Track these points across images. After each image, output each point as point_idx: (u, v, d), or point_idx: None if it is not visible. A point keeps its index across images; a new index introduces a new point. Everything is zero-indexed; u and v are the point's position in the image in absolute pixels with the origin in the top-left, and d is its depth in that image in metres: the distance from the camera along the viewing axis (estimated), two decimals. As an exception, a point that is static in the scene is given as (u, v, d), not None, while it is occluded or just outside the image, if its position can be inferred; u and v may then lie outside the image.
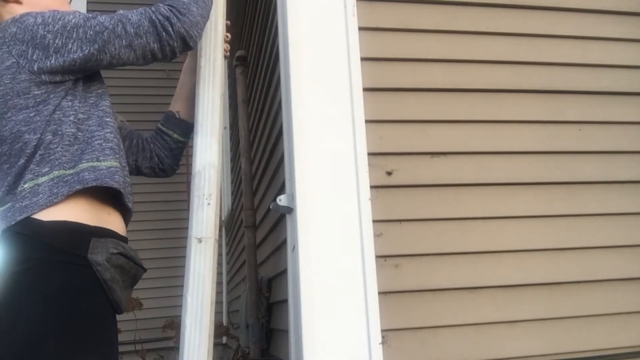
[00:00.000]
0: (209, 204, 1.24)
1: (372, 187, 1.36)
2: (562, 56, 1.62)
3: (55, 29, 1.10)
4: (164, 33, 1.15)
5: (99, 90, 1.22)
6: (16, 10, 1.18)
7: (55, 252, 1.03)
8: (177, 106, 1.45)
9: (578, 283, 1.48)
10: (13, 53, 1.10)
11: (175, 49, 1.19)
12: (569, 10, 1.65)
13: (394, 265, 1.38)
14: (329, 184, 1.31)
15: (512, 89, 1.57)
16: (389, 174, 1.43)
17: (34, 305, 0.99)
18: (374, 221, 1.33)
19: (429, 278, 1.40)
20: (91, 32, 1.12)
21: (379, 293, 1.28)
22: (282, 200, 1.32)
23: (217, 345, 4.37)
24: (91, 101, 1.19)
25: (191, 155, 1.32)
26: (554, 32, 1.63)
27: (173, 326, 3.84)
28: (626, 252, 1.53)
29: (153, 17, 1.15)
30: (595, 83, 1.63)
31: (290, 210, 1.32)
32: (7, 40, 1.12)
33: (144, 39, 1.15)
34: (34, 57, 1.10)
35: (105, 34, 1.12)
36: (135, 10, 1.16)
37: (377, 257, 1.31)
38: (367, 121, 1.38)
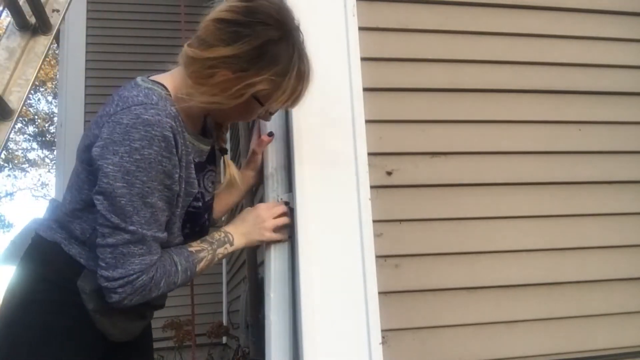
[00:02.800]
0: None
1: (372, 187, 1.36)
2: (562, 56, 1.62)
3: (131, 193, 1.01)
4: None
5: None
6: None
7: (51, 272, 1.10)
8: (215, 205, 1.36)
9: (578, 283, 1.48)
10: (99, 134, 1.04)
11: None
12: (569, 10, 1.65)
13: (394, 265, 1.38)
14: (329, 183, 1.31)
15: (512, 89, 1.57)
16: (389, 174, 1.43)
17: (15, 316, 1.08)
18: (374, 221, 1.32)
19: (429, 278, 1.40)
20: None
21: (379, 293, 1.28)
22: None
23: (217, 345, 4.37)
24: None
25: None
26: (554, 32, 1.63)
27: (173, 326, 3.84)
28: (626, 252, 1.53)
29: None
30: (595, 83, 1.63)
31: (290, 210, 1.32)
32: (106, 121, 1.03)
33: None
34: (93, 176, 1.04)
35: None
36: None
37: (377, 257, 1.31)
38: (367, 121, 1.38)
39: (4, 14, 1.47)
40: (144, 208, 1.01)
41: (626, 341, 1.46)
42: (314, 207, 1.28)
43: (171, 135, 1.02)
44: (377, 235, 1.35)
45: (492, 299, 1.42)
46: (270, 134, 1.36)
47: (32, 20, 1.49)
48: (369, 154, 1.37)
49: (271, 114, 1.20)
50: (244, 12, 1.06)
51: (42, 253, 1.11)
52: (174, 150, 1.03)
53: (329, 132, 1.34)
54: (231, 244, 1.22)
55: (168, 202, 1.06)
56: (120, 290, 1.02)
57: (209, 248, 1.17)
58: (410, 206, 1.43)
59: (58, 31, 1.60)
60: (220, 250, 1.20)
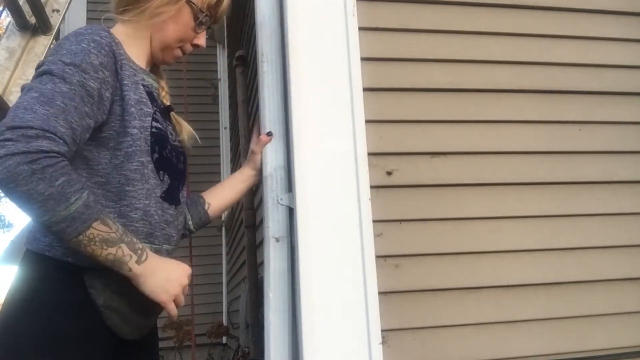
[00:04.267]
0: (282, 204, 1.32)
1: (372, 187, 1.36)
2: (562, 56, 1.62)
3: None
4: None
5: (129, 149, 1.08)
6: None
7: (55, 269, 1.04)
8: (212, 199, 1.38)
9: (578, 283, 1.48)
10: None
11: None
12: (569, 10, 1.65)
13: (394, 265, 1.38)
14: (329, 184, 1.31)
15: (512, 89, 1.57)
16: (389, 174, 1.43)
17: (19, 314, 1.02)
18: (374, 221, 1.32)
19: (429, 278, 1.40)
20: None
21: (379, 293, 1.28)
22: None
23: (217, 345, 4.37)
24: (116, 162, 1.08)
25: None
26: (554, 32, 1.63)
27: (173, 326, 3.84)
28: (626, 252, 1.53)
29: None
30: (595, 83, 1.63)
31: (290, 210, 1.32)
32: None
33: None
34: None
35: None
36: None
37: (377, 257, 1.31)
38: (367, 121, 1.38)
39: (4, 14, 1.47)
40: (62, 82, 0.95)
41: (626, 341, 1.46)
42: (314, 207, 1.28)
43: (104, 41, 1.05)
44: (377, 235, 1.35)
45: (492, 299, 1.42)
46: (269, 134, 1.36)
47: (32, 20, 1.49)
48: (369, 154, 1.37)
49: (205, 28, 1.27)
50: None
51: (35, 271, 1.05)
52: (105, 51, 1.04)
53: (329, 132, 1.34)
54: (138, 261, 1.01)
55: (89, 93, 0.99)
56: (9, 143, 0.85)
57: (121, 232, 0.99)
58: (410, 206, 1.43)
59: (58, 31, 1.60)
60: (125, 249, 0.99)
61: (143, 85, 1.16)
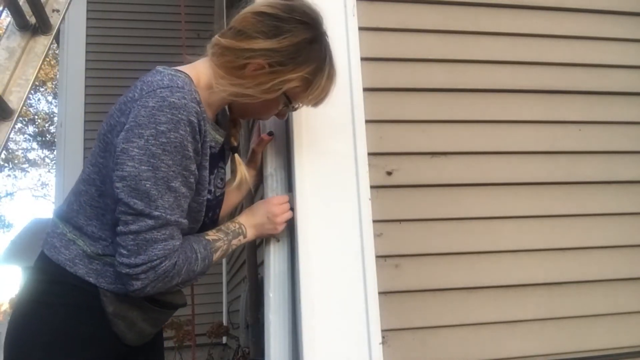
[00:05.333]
0: None
1: (372, 187, 1.36)
2: (562, 56, 1.62)
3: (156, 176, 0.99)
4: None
5: None
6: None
7: (69, 274, 1.06)
8: None
9: (578, 283, 1.48)
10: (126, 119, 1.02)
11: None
12: (569, 10, 1.65)
13: (394, 265, 1.38)
14: (329, 184, 1.31)
15: (512, 89, 1.57)
16: (389, 174, 1.43)
17: (32, 315, 1.05)
18: (374, 221, 1.32)
19: (429, 278, 1.40)
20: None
21: (379, 293, 1.28)
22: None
23: (217, 345, 4.37)
24: None
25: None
26: (554, 32, 1.63)
27: (173, 326, 3.84)
28: (626, 252, 1.53)
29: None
30: (595, 83, 1.63)
31: (291, 210, 1.32)
32: (136, 101, 1.01)
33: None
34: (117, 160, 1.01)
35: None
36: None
37: (377, 257, 1.31)
38: (367, 121, 1.38)
39: (4, 14, 1.47)
40: (168, 192, 0.99)
41: (626, 341, 1.46)
42: (314, 207, 1.28)
43: (196, 120, 1.01)
44: (377, 235, 1.35)
45: (492, 299, 1.42)
46: (270, 134, 1.36)
47: (32, 20, 1.49)
48: (369, 154, 1.37)
49: (289, 111, 1.23)
50: (284, 9, 1.08)
51: (50, 273, 1.08)
52: (198, 136, 1.03)
53: (329, 132, 1.34)
54: (245, 236, 1.22)
55: (189, 187, 1.04)
56: (143, 276, 0.98)
57: (225, 238, 1.17)
58: (410, 206, 1.43)
59: (58, 31, 1.60)
60: (235, 242, 1.20)
61: (210, 147, 1.13)
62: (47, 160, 17.49)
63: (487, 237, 1.45)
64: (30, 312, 1.05)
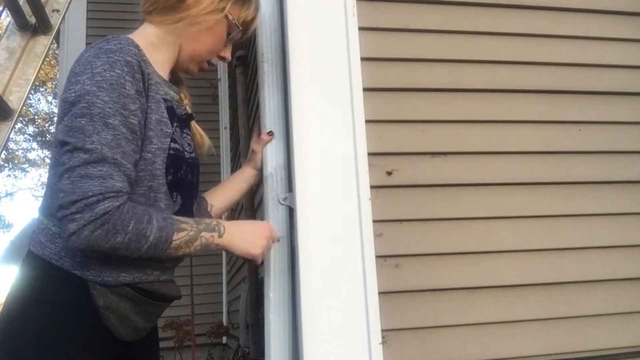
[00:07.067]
0: (282, 204, 1.33)
1: (372, 187, 1.35)
2: (562, 56, 1.62)
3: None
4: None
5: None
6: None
7: (55, 268, 1.03)
8: (214, 200, 1.38)
9: (578, 283, 1.48)
10: None
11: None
12: (569, 10, 1.65)
13: (394, 265, 1.38)
14: (329, 183, 1.31)
15: (512, 89, 1.57)
16: (389, 174, 1.43)
17: (21, 313, 1.01)
18: (374, 221, 1.32)
19: (429, 278, 1.40)
20: None
21: (379, 293, 1.28)
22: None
23: (217, 345, 4.37)
24: None
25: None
26: (554, 32, 1.63)
27: (173, 326, 3.84)
28: (626, 252, 1.53)
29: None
30: (595, 83, 1.63)
31: (290, 210, 1.32)
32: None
33: None
34: None
35: None
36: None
37: (377, 257, 1.31)
38: (367, 121, 1.38)
39: (4, 14, 1.47)
40: (105, 129, 0.95)
41: (626, 341, 1.46)
42: (314, 207, 1.28)
43: (135, 61, 1.01)
44: (377, 235, 1.35)
45: (492, 299, 1.42)
46: (270, 133, 1.36)
47: (32, 20, 1.49)
48: (369, 154, 1.37)
49: (232, 41, 1.25)
50: None
51: (37, 269, 1.05)
52: (138, 75, 1.02)
53: (329, 132, 1.34)
54: (220, 235, 1.10)
55: (131, 129, 0.99)
56: (77, 216, 0.90)
57: (194, 226, 1.06)
58: (410, 206, 1.43)
59: (58, 31, 1.60)
60: (206, 234, 1.08)
61: (165, 100, 1.12)
62: (47, 160, 17.49)
63: (487, 237, 1.45)
64: (18, 310, 1.02)
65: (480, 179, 1.49)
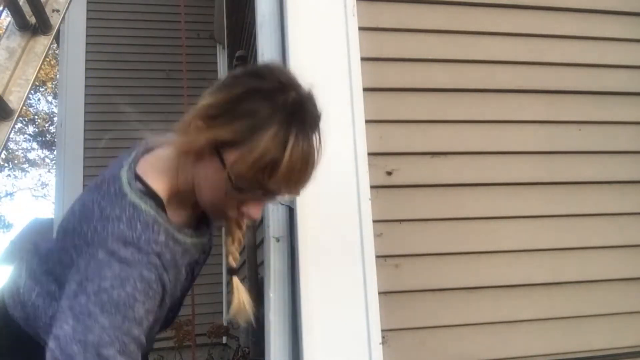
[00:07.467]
0: (282, 204, 1.33)
1: (372, 187, 1.36)
2: (562, 56, 1.62)
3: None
4: None
5: None
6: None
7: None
8: None
9: (578, 283, 1.48)
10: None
11: None
12: (569, 10, 1.65)
13: (394, 265, 1.38)
14: (329, 183, 1.31)
15: (512, 89, 1.57)
16: (389, 174, 1.43)
17: None
18: (374, 221, 1.33)
19: (429, 278, 1.40)
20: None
21: (379, 293, 1.28)
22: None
23: (217, 345, 4.37)
24: None
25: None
26: (554, 32, 1.63)
27: (173, 326, 3.84)
28: (626, 252, 1.53)
29: None
30: (595, 83, 1.63)
31: (290, 210, 1.32)
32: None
33: None
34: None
35: None
36: None
37: (377, 257, 1.31)
38: (367, 121, 1.38)
39: (4, 14, 1.47)
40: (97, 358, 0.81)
41: (626, 341, 1.46)
42: (314, 207, 1.28)
43: (153, 276, 0.86)
44: (377, 235, 1.35)
45: (492, 299, 1.42)
46: None
47: (32, 20, 1.49)
48: (369, 154, 1.37)
49: (238, 194, 0.90)
50: (252, 66, 0.96)
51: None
52: (157, 285, 0.88)
53: (328, 132, 1.34)
54: None
55: (128, 355, 0.85)
56: None
57: None
58: (410, 206, 1.43)
59: (58, 31, 1.60)
60: None
61: (188, 264, 1.00)
62: (47, 160, 17.50)
63: (487, 237, 1.45)
64: None
65: (480, 179, 1.49)
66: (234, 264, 1.08)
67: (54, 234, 1.01)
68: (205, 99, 0.89)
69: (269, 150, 0.83)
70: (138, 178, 0.93)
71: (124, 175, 0.92)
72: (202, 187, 0.92)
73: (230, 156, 0.85)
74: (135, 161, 0.95)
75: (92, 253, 0.85)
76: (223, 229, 1.12)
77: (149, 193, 0.92)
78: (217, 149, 0.86)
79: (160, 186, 0.94)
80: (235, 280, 1.06)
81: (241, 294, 1.05)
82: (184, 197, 0.96)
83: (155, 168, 0.95)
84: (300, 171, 0.87)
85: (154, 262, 0.87)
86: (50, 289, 0.96)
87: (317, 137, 0.89)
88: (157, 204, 0.91)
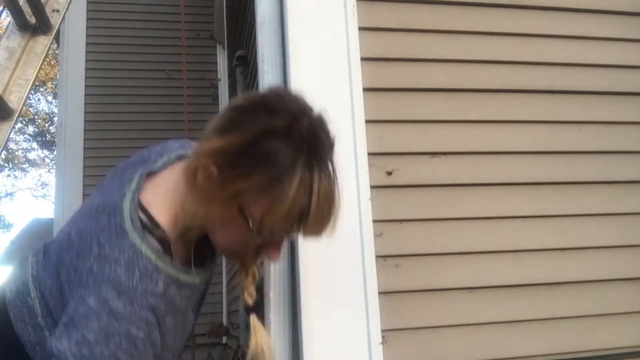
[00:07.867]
0: None
1: (372, 187, 1.36)
2: (562, 56, 1.62)
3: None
4: None
5: None
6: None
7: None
8: None
9: (578, 283, 1.48)
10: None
11: None
12: (569, 10, 1.65)
13: (394, 265, 1.38)
14: (329, 184, 1.31)
15: (512, 89, 1.57)
16: (389, 174, 1.43)
17: None
18: (374, 221, 1.32)
19: (429, 278, 1.40)
20: None
21: (379, 293, 1.28)
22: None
23: (217, 345, 4.37)
24: None
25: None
26: (554, 32, 1.63)
27: (173, 326, 3.83)
28: (626, 252, 1.53)
29: None
30: (595, 83, 1.63)
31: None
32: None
33: None
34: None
35: None
36: None
37: (377, 257, 1.31)
38: (367, 121, 1.38)
39: (4, 14, 1.47)
40: None
41: (626, 341, 1.46)
42: (314, 207, 1.28)
43: (142, 334, 0.80)
44: (377, 235, 1.35)
45: (492, 299, 1.42)
46: None
47: (32, 20, 1.49)
48: (369, 154, 1.37)
49: (275, 248, 0.90)
50: (257, 97, 0.87)
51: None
52: (143, 346, 0.81)
53: (329, 132, 1.34)
54: None
55: None
56: None
57: None
58: (410, 206, 1.43)
59: (58, 31, 1.60)
60: None
61: (195, 302, 0.96)
62: (47, 160, 17.50)
63: (487, 237, 1.45)
64: None
65: (480, 179, 1.49)
66: (249, 301, 1.00)
67: (52, 236, 1.00)
68: (216, 140, 0.82)
69: (297, 200, 0.79)
70: (142, 209, 0.87)
71: (127, 207, 0.86)
72: (217, 232, 0.88)
73: (254, 210, 0.81)
74: (139, 189, 0.89)
75: (84, 297, 0.80)
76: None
77: (154, 228, 0.86)
78: (238, 202, 0.81)
79: (166, 219, 0.88)
80: (253, 319, 0.98)
81: (259, 335, 0.97)
82: (191, 230, 0.89)
83: (161, 198, 0.89)
84: (327, 213, 0.83)
85: (145, 317, 0.81)
86: (45, 294, 0.92)
87: (332, 164, 0.86)
88: (161, 241, 0.86)
